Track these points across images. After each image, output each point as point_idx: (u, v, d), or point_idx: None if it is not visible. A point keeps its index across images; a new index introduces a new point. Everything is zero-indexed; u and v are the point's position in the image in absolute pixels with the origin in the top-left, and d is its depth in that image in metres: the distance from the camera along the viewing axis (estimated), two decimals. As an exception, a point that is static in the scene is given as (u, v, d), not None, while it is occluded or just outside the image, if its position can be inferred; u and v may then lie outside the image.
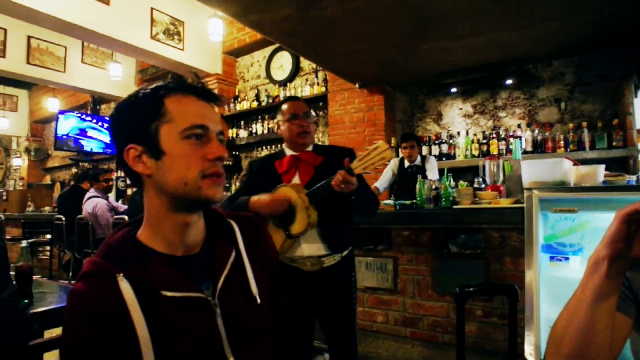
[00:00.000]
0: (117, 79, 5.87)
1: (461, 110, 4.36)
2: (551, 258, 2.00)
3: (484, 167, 2.69)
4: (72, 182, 5.55)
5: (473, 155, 3.98)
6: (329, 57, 3.51)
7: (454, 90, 4.26)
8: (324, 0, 2.43)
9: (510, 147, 3.62)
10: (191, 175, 0.75)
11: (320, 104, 5.00)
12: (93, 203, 3.89)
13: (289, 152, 1.80)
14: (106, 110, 7.81)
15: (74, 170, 7.92)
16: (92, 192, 4.07)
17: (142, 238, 0.80)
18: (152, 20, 4.75)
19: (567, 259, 1.96)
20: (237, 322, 0.81)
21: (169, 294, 0.74)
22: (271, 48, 5.51)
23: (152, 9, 4.73)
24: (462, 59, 3.55)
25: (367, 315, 2.89)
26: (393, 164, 3.74)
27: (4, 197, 7.14)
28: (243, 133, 5.65)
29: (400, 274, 2.76)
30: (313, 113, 1.85)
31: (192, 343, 0.75)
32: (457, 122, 4.36)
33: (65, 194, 5.22)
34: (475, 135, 4.10)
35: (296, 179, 1.74)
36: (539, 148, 3.76)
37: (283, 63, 5.46)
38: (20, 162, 9.28)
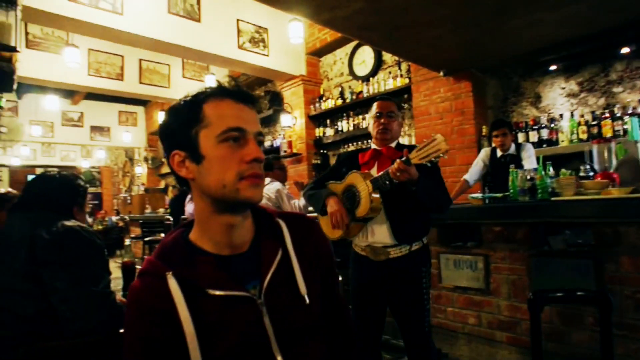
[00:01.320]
0: (213, 90, 6.38)
1: (564, 89, 3.85)
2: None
3: (590, 152, 2.34)
4: (179, 187, 6.19)
5: (580, 140, 3.48)
6: (407, 47, 3.36)
7: (553, 68, 3.78)
8: (394, -12, 2.33)
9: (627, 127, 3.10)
10: (229, 178, 0.76)
11: (405, 96, 4.83)
12: (193, 204, 4.27)
13: (373, 146, 1.93)
14: (206, 119, 8.54)
15: (183, 175, 8.81)
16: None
17: (193, 238, 0.83)
18: (239, 31, 5.05)
19: None
20: (284, 321, 0.80)
21: (214, 292, 0.76)
22: (352, 44, 5.49)
23: (237, 20, 5.02)
24: (562, 31, 3.13)
25: (457, 317, 2.71)
26: (484, 154, 3.44)
27: (129, 201, 8.23)
28: (329, 131, 5.72)
29: (493, 273, 2.54)
30: (398, 112, 1.93)
31: (238, 340, 0.76)
32: (560, 103, 3.86)
33: (174, 197, 5.82)
34: (582, 116, 3.58)
35: (374, 171, 1.85)
36: (668, 126, 3.15)
37: (365, 58, 5.39)
38: (141, 170, 10.62)
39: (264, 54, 5.35)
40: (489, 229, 2.57)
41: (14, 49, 1.65)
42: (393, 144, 1.89)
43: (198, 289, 0.76)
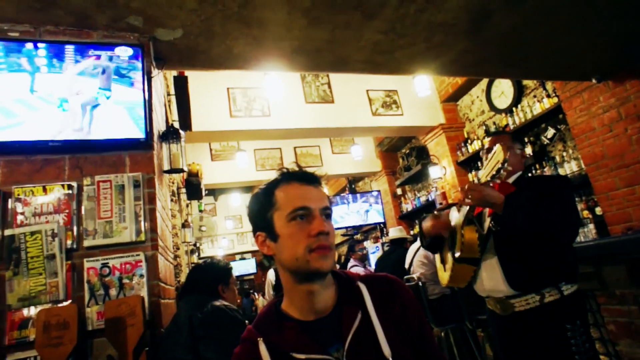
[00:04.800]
0: (359, 158, 6.80)
1: None
2: None
3: None
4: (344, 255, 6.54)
5: None
6: (537, 67, 3.03)
7: None
8: (491, 19, 2.22)
9: None
10: (300, 251, 0.86)
11: (560, 116, 4.23)
12: (353, 271, 4.45)
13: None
14: (362, 186, 8.96)
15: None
16: (352, 261, 4.66)
17: (283, 307, 0.94)
18: (370, 100, 5.39)
19: None
20: None
21: (298, 356, 0.83)
22: (486, 79, 5.22)
23: (367, 91, 5.39)
24: None
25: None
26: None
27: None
28: (482, 173, 5.35)
29: None
30: (512, 143, 1.82)
31: None
32: None
33: (340, 265, 6.15)
34: None
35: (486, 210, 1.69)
36: None
37: (503, 89, 5.03)
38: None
39: (398, 114, 5.52)
40: None
41: (182, 171, 2.16)
42: (510, 179, 1.69)
43: (284, 353, 0.84)
